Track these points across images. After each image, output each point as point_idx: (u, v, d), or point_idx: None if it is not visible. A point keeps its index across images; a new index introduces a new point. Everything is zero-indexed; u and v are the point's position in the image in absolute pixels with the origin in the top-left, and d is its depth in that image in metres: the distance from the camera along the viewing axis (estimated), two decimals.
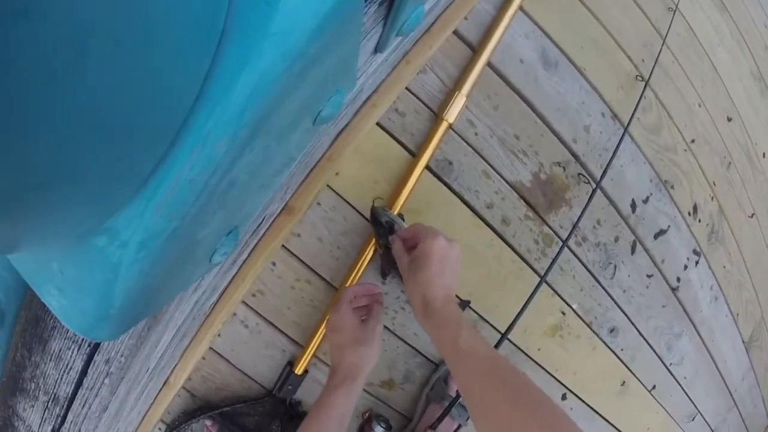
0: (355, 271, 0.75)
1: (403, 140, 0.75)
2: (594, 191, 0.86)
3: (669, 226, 1.08)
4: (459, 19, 0.73)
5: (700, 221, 1.16)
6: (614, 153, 0.89)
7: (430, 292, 0.56)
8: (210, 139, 0.25)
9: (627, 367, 1.07)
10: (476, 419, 0.47)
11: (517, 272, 0.88)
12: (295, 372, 0.77)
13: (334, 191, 0.73)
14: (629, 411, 1.11)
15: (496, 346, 0.75)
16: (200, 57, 0.24)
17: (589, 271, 0.96)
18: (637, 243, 1.03)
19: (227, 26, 0.25)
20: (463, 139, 0.80)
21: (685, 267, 1.14)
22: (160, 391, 0.72)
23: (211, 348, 0.74)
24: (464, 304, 0.84)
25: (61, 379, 0.60)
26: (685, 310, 1.16)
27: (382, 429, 0.79)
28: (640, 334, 1.07)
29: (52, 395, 0.63)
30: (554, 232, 0.91)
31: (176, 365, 0.71)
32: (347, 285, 0.75)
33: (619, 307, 1.03)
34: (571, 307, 0.95)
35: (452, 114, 0.75)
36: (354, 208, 0.75)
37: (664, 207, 1.07)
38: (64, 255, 0.30)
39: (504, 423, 0.44)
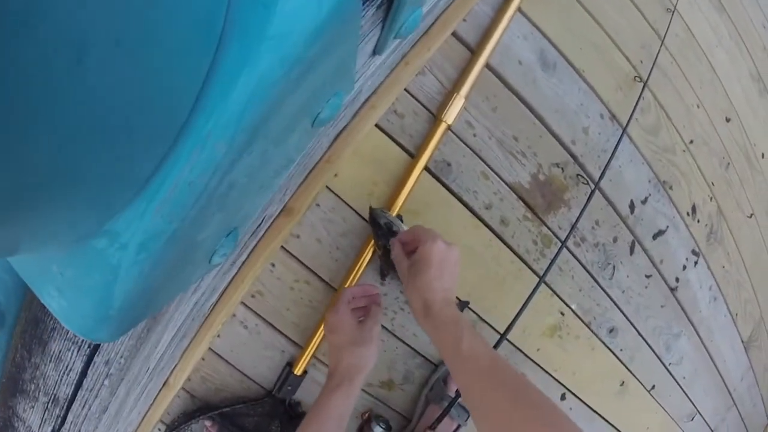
0: (354, 272, 0.75)
1: (402, 141, 0.75)
2: (592, 192, 0.86)
3: (668, 227, 1.08)
4: (457, 21, 0.74)
5: (698, 222, 1.16)
6: (613, 154, 0.89)
7: (430, 295, 0.57)
8: (209, 141, 0.26)
9: (626, 367, 1.07)
10: (478, 420, 0.48)
11: (515, 273, 0.88)
12: (295, 372, 0.77)
13: (333, 192, 0.73)
14: (628, 411, 1.11)
15: (495, 346, 0.75)
16: (199, 60, 0.24)
17: (587, 271, 0.96)
18: (636, 243, 1.03)
19: (226, 30, 0.25)
20: (461, 140, 0.80)
21: (684, 267, 1.14)
22: (159, 391, 0.72)
23: (210, 349, 0.74)
24: (463, 305, 0.84)
25: (61, 380, 0.60)
26: (684, 311, 1.16)
27: (381, 429, 0.80)
28: (639, 334, 1.08)
29: (52, 396, 0.64)
30: (553, 232, 0.91)
31: (176, 366, 0.71)
32: (346, 286, 0.75)
33: (618, 308, 1.03)
34: (570, 307, 0.95)
35: (451, 115, 0.75)
36: (353, 209, 0.75)
37: (663, 207, 1.07)
38: (64, 257, 0.30)
39: (505, 423, 0.45)
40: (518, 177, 0.86)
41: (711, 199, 1.20)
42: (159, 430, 0.77)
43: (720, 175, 1.24)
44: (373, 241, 0.73)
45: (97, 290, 0.29)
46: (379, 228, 0.67)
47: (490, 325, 0.88)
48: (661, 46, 1.02)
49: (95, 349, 0.56)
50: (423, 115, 0.76)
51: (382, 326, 0.81)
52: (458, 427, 0.81)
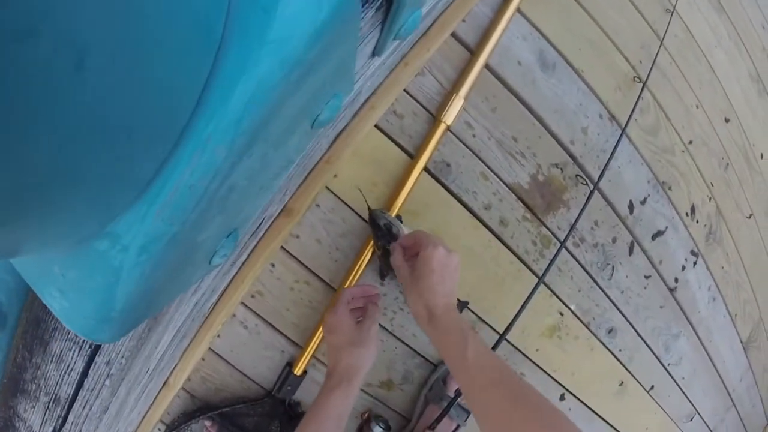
0: (354, 272, 0.75)
1: (402, 142, 0.76)
2: (592, 192, 0.86)
3: (667, 227, 1.08)
4: (457, 22, 0.74)
5: (697, 222, 1.16)
6: (612, 154, 0.89)
7: (433, 300, 0.58)
8: (209, 145, 0.26)
9: (625, 367, 1.08)
10: (483, 425, 0.50)
11: (515, 273, 0.88)
12: (294, 373, 0.77)
13: (332, 193, 0.73)
14: (627, 411, 1.11)
15: (495, 346, 0.75)
16: (199, 65, 0.25)
17: (587, 272, 0.97)
18: (635, 244, 1.03)
19: (226, 34, 0.25)
20: (461, 141, 0.80)
21: (683, 268, 1.14)
22: (159, 391, 0.72)
23: (210, 349, 0.75)
24: (463, 305, 0.84)
25: (62, 380, 0.61)
26: (683, 311, 1.16)
27: (381, 429, 0.80)
28: (638, 334, 1.08)
29: (53, 396, 0.64)
30: (552, 233, 0.91)
31: (176, 366, 0.71)
32: (346, 286, 0.75)
33: (617, 308, 1.03)
34: (569, 307, 0.96)
35: (450, 116, 0.75)
36: (352, 210, 0.75)
37: (662, 208, 1.07)
38: (66, 258, 0.31)
39: (507, 426, 0.47)
40: (517, 177, 0.86)
41: (710, 199, 1.20)
42: (159, 430, 0.77)
43: (719, 176, 1.24)
44: (372, 242, 0.73)
45: (99, 291, 0.30)
46: (379, 229, 0.67)
47: (490, 326, 0.88)
48: (660, 46, 1.02)
49: (96, 349, 0.56)
50: (422, 116, 0.76)
51: (382, 326, 0.81)
52: (457, 427, 0.81)
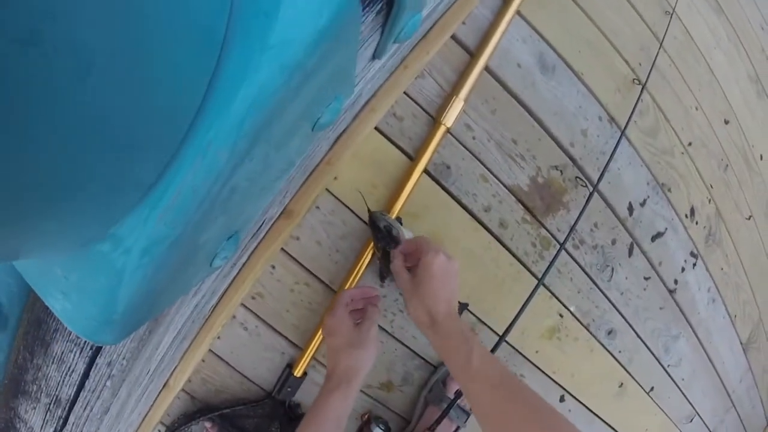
0: (354, 274, 0.76)
1: (402, 144, 0.76)
2: (591, 194, 0.86)
3: (666, 229, 1.09)
4: (457, 24, 0.74)
5: (697, 224, 1.17)
6: (611, 156, 0.90)
7: (435, 306, 0.59)
8: (211, 149, 0.26)
9: (625, 368, 1.08)
10: (484, 425, 0.51)
11: (514, 275, 0.89)
12: (294, 374, 0.77)
13: (332, 195, 0.74)
14: (627, 412, 1.12)
15: (494, 348, 0.76)
16: (201, 70, 0.25)
17: (586, 273, 0.97)
18: (635, 245, 1.03)
19: (227, 39, 0.26)
20: (460, 143, 0.80)
21: (683, 269, 1.15)
22: (160, 393, 0.73)
23: (210, 350, 0.75)
24: (462, 307, 0.84)
25: (63, 381, 0.61)
26: (682, 312, 1.16)
27: (380, 431, 0.80)
28: (638, 336, 1.08)
29: (54, 397, 0.64)
30: (552, 235, 0.91)
31: (176, 367, 0.72)
32: (346, 288, 0.76)
33: (617, 310, 1.03)
34: (568, 309, 0.96)
35: (450, 118, 0.75)
36: (353, 211, 0.75)
37: (662, 210, 1.07)
38: (69, 260, 0.31)
39: (505, 425, 0.49)
40: (517, 179, 0.86)
41: (709, 201, 1.21)
42: (159, 431, 0.77)
43: (718, 177, 1.25)
44: (372, 244, 0.73)
45: (101, 293, 0.30)
46: (379, 231, 0.68)
47: (489, 327, 0.88)
48: (659, 48, 1.03)
49: (97, 350, 0.56)
50: (422, 118, 0.77)
51: (382, 328, 0.82)
52: (457, 428, 0.82)
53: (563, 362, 0.98)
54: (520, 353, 0.93)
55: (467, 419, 0.82)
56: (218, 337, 0.74)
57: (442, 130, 0.75)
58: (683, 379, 1.22)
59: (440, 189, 0.80)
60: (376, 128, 0.73)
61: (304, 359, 0.77)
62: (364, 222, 0.75)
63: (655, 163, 1.05)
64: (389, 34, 0.49)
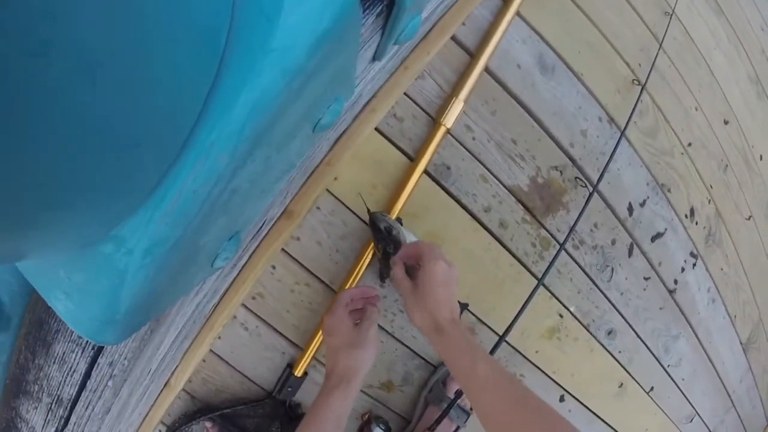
0: (354, 274, 0.76)
1: (402, 145, 0.76)
2: (591, 195, 0.87)
3: (666, 229, 1.09)
4: (457, 25, 0.74)
5: (697, 224, 1.17)
6: (611, 157, 0.90)
7: (439, 314, 0.59)
8: (212, 152, 0.26)
9: (625, 369, 1.08)
10: (485, 426, 0.52)
11: (514, 275, 0.89)
12: (295, 374, 0.78)
13: (333, 196, 0.74)
14: (627, 413, 1.12)
15: (494, 348, 0.76)
16: (203, 74, 0.25)
17: (586, 273, 0.97)
18: (635, 246, 1.04)
19: (229, 43, 0.26)
20: (460, 143, 0.81)
21: (683, 269, 1.15)
22: (160, 393, 0.73)
23: (211, 350, 0.75)
24: (463, 307, 0.85)
25: (65, 381, 0.61)
26: (682, 312, 1.17)
27: (381, 430, 0.80)
28: (638, 336, 1.08)
29: (56, 397, 0.64)
30: (551, 235, 0.91)
31: (177, 367, 0.72)
32: (346, 288, 0.76)
33: (617, 310, 1.03)
34: (568, 309, 0.96)
35: (450, 119, 0.76)
36: (353, 212, 0.76)
37: (661, 210, 1.08)
38: (71, 261, 0.31)
39: (506, 426, 0.50)
40: (517, 180, 0.86)
41: (709, 201, 1.21)
42: (160, 431, 0.78)
43: (718, 178, 1.25)
44: (372, 244, 0.74)
45: (104, 294, 0.30)
46: (379, 231, 0.68)
47: (489, 327, 0.89)
48: (659, 49, 1.03)
49: (99, 350, 0.56)
50: (422, 119, 0.77)
51: (382, 328, 0.82)
52: (457, 428, 0.82)
53: (563, 362, 0.98)
54: (520, 353, 0.93)
55: (467, 419, 0.82)
56: (219, 337, 0.74)
57: (442, 130, 0.76)
58: (683, 379, 1.22)
59: (440, 189, 0.80)
60: (376, 129, 0.73)
61: (304, 359, 0.77)
62: (365, 222, 0.75)
63: (654, 164, 1.05)
64: (389, 36, 0.50)
